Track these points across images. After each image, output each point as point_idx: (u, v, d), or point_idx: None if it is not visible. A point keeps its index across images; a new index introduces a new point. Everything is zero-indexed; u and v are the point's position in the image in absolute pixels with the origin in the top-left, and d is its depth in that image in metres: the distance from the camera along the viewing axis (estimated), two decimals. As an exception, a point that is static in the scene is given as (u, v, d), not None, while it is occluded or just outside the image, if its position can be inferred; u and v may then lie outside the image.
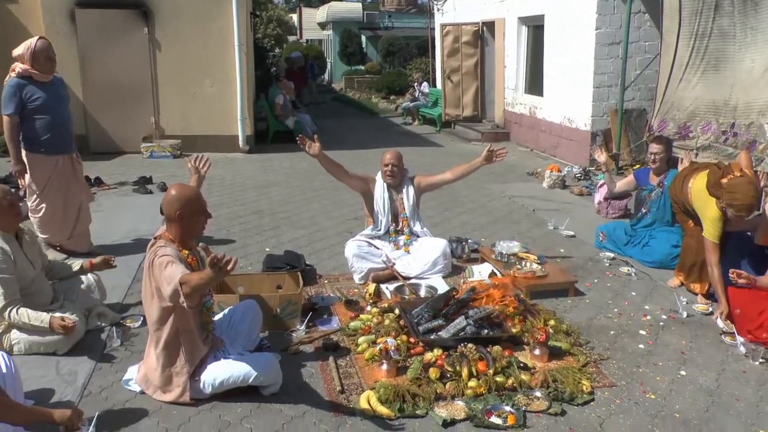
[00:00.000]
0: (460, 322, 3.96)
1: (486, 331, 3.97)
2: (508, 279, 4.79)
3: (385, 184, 5.47)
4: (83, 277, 4.44)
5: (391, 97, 19.34)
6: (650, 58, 9.41)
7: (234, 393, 3.46)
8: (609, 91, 9.68)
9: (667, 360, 3.96)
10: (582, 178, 9.19)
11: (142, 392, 3.52)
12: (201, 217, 3.50)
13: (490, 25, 13.38)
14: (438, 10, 15.84)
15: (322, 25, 28.38)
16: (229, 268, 2.81)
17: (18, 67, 5.20)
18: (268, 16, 24.61)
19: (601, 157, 6.44)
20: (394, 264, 5.23)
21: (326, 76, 26.50)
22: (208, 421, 3.30)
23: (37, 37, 5.25)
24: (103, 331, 4.23)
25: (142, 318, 4.42)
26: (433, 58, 17.02)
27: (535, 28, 11.77)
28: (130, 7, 10.36)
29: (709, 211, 4.49)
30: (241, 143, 10.91)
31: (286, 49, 25.46)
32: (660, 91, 8.44)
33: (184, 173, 9.46)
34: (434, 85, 16.22)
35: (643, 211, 5.80)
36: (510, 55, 12.58)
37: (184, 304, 3.13)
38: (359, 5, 27.44)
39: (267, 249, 5.96)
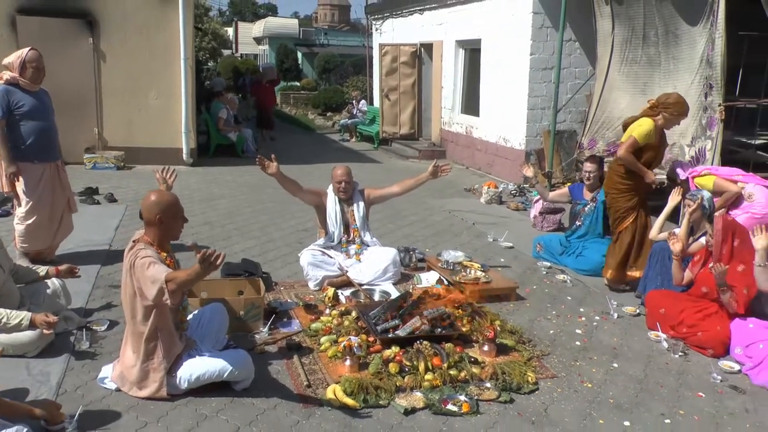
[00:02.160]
0: (415, 321, 4.28)
1: (439, 329, 4.30)
2: (456, 293, 5.09)
3: (336, 198, 5.75)
4: (49, 282, 4.54)
5: (328, 114, 19.65)
6: (580, 83, 10.08)
7: (207, 389, 3.65)
8: (542, 113, 10.29)
9: (601, 354, 4.39)
10: (517, 194, 9.71)
11: (118, 389, 3.67)
12: (179, 221, 3.72)
13: (428, 47, 13.90)
14: (376, 30, 16.29)
15: (258, 40, 28.48)
16: (218, 262, 3.05)
17: (6, 74, 5.31)
18: (204, 28, 24.57)
19: (528, 171, 6.89)
20: (347, 271, 5.52)
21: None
22: (185, 415, 3.49)
23: (28, 48, 5.39)
24: (72, 334, 4.34)
25: (108, 322, 4.58)
26: (371, 76, 17.45)
27: (472, 51, 12.33)
28: (74, 16, 10.31)
29: (638, 126, 5.41)
30: (184, 156, 10.97)
31: (221, 63, 25.46)
32: (591, 111, 9.07)
33: (129, 184, 9.51)
34: (371, 103, 16.64)
35: (577, 223, 6.29)
36: (447, 76, 13.11)
37: (168, 302, 3.33)
38: (296, 21, 27.71)
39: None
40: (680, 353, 4.37)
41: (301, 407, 3.61)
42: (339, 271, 5.53)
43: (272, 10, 40.77)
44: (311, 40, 26.55)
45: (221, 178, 10.49)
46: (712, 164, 6.66)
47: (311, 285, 5.46)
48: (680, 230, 4.95)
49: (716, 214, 4.56)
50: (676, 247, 4.77)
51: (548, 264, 6.23)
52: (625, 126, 5.72)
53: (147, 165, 10.03)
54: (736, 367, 4.18)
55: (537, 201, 8.03)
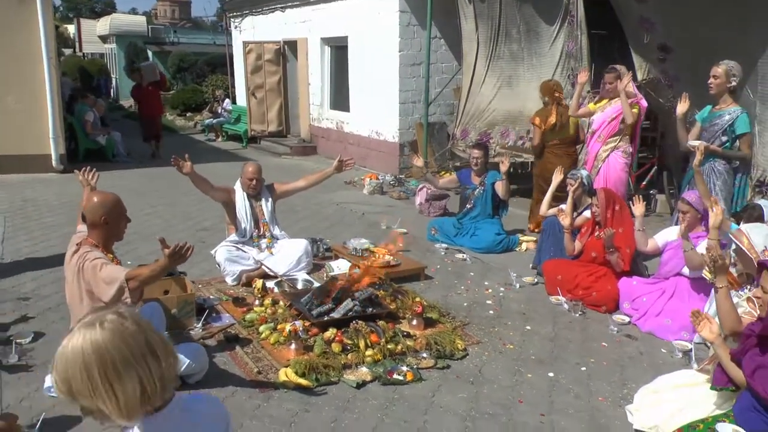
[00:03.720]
0: (348, 303, 4.52)
1: (370, 309, 4.58)
2: (366, 267, 5.37)
3: (245, 194, 5.83)
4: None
5: (188, 114, 19.12)
6: (447, 77, 10.71)
7: (158, 385, 3.68)
8: (413, 106, 10.81)
9: (513, 320, 4.88)
10: (396, 184, 10.16)
11: (65, 396, 3.59)
12: (123, 221, 3.71)
13: (291, 44, 14.02)
14: (236, 27, 16.15)
15: (104, 38, 26.95)
16: (188, 255, 3.14)
17: None
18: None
19: (419, 162, 7.36)
20: (262, 265, 5.63)
21: (112, 92, 25.23)
22: None
23: None
24: (-4, 349, 4.15)
25: (32, 334, 4.41)
26: (232, 75, 17.26)
27: (338, 48, 12.64)
28: None
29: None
30: (54, 163, 10.33)
31: (65, 63, 23.87)
32: (461, 104, 9.69)
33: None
34: (234, 102, 16.47)
35: (468, 206, 6.81)
36: (314, 73, 13.33)
37: (128, 301, 3.34)
38: (144, 19, 26.52)
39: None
40: (579, 312, 4.96)
41: (258, 392, 3.75)
42: (255, 264, 5.63)
43: (110, 6, 38.61)
44: (161, 38, 25.57)
45: (99, 184, 9.97)
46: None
47: (229, 280, 5.53)
48: (566, 206, 5.56)
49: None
50: (565, 221, 5.38)
51: (445, 245, 6.69)
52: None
53: (13, 174, 9.39)
54: (627, 319, 4.83)
55: (421, 189, 8.51)
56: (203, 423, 1.64)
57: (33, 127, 10.18)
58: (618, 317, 4.85)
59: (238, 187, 5.86)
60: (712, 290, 4.37)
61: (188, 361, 3.67)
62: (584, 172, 5.76)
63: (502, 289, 5.53)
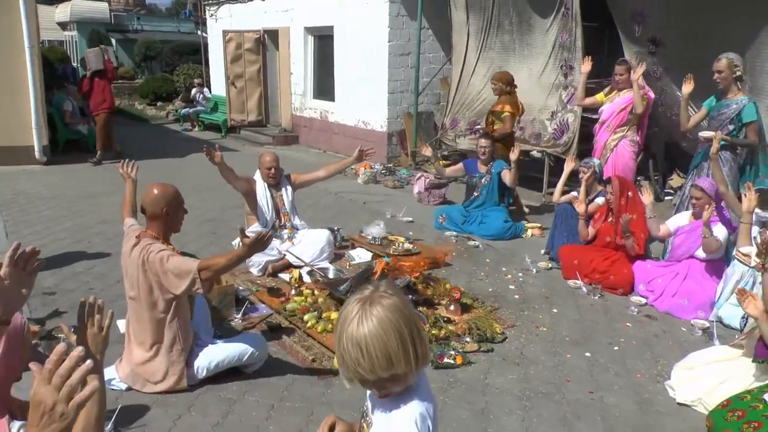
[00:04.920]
0: (388, 291, 4.69)
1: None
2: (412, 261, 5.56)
3: (265, 184, 5.93)
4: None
5: (159, 104, 18.86)
6: (435, 68, 10.90)
7: (220, 377, 3.80)
8: (401, 96, 10.97)
9: (539, 304, 5.13)
10: (387, 173, 10.32)
11: (129, 389, 3.69)
12: (181, 212, 3.79)
13: (272, 33, 14.00)
14: (211, 16, 16.00)
15: (63, 26, 26.23)
16: (269, 243, 3.30)
17: None
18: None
19: (428, 151, 7.55)
20: (285, 255, 5.75)
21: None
22: (212, 401, 3.63)
23: None
24: (37, 346, 4.18)
25: (73, 327, 4.43)
26: (206, 64, 17.11)
27: (322, 37, 12.69)
28: None
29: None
30: (37, 154, 10.16)
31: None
32: (451, 94, 9.89)
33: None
34: (209, 91, 16.35)
35: (475, 194, 7.03)
36: (297, 62, 13.35)
37: (199, 291, 3.45)
38: (106, 5, 25.84)
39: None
40: (599, 295, 5.24)
41: (317, 379, 3.90)
42: (279, 254, 5.75)
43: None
44: (124, 25, 25.01)
45: (87, 174, 9.95)
46: (574, 132, 7.77)
47: (254, 271, 5.63)
48: (580, 194, 5.82)
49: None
50: (580, 208, 5.64)
51: (454, 233, 6.90)
52: None
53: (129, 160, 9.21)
54: (644, 300, 5.12)
55: (419, 178, 8.70)
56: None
57: (14, 118, 9.94)
58: (635, 299, 5.14)
59: (258, 177, 5.94)
60: (726, 271, 4.71)
61: (252, 349, 3.79)
62: (597, 161, 6.04)
63: (520, 274, 5.78)
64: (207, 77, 16.96)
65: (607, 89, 6.76)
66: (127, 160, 4.48)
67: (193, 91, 16.00)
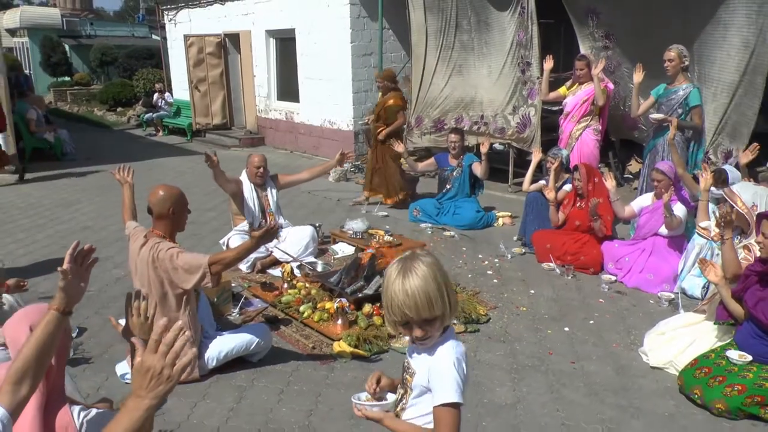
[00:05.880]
0: (378, 280, 4.97)
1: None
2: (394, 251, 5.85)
3: (252, 184, 6.14)
4: (4, 299, 4.45)
5: (119, 110, 18.72)
6: (398, 66, 11.15)
7: (227, 366, 4.04)
8: (366, 95, 11.25)
9: (517, 286, 5.47)
10: (357, 171, 10.58)
11: (143, 381, 3.89)
12: (186, 212, 3.99)
13: (233, 37, 14.10)
14: (170, 20, 16.00)
15: (12, 32, 25.63)
16: (278, 233, 3.55)
17: None
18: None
19: (400, 148, 7.86)
20: (272, 252, 5.99)
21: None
22: (224, 389, 3.87)
23: None
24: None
25: (77, 329, 4.63)
26: (167, 68, 17.08)
27: (284, 40, 12.87)
28: None
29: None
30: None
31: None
32: (414, 93, 10.17)
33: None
34: (171, 96, 16.35)
35: (448, 187, 7.36)
36: (260, 65, 13.50)
37: (209, 284, 3.68)
38: (57, 10, 25.32)
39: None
40: (571, 275, 5.61)
41: (319, 364, 4.16)
42: (266, 251, 5.97)
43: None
44: (77, 31, 24.58)
45: (58, 183, 9.98)
46: (536, 125, 8.16)
47: (243, 268, 5.85)
48: (549, 182, 6.19)
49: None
50: (551, 195, 6.01)
51: (429, 225, 7.21)
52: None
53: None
54: (613, 278, 5.51)
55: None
56: None
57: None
58: (605, 277, 5.52)
59: (244, 177, 6.15)
60: (688, 245, 5.12)
61: (257, 339, 4.04)
62: (564, 152, 6.42)
63: (496, 260, 6.12)
64: (168, 82, 16.94)
65: (569, 83, 7.17)
66: (122, 165, 4.65)
67: (155, 96, 15.96)
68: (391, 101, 7.92)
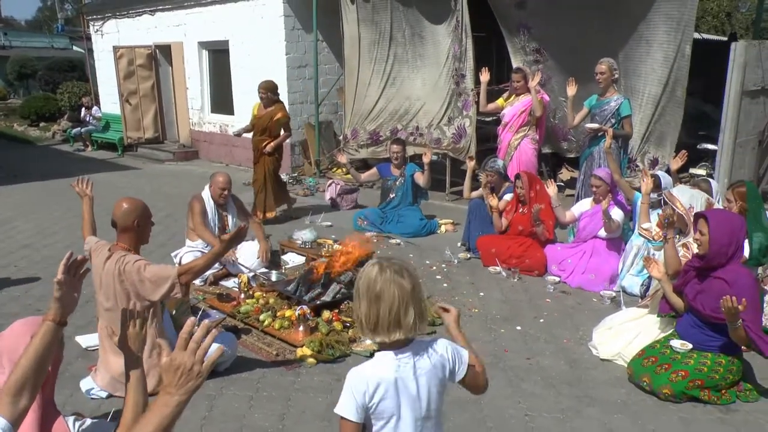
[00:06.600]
0: (334, 287, 5.09)
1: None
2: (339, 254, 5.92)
3: (213, 203, 6.09)
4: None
5: (42, 125, 18.04)
6: (332, 78, 11.34)
7: (193, 375, 4.05)
8: (301, 107, 11.34)
9: (467, 289, 5.69)
10: (294, 183, 10.62)
11: (110, 396, 3.87)
12: (150, 224, 3.99)
13: (164, 48, 13.90)
14: (96, 31, 15.61)
15: None
16: (244, 236, 3.63)
17: None
18: None
19: (343, 159, 7.99)
20: (225, 266, 5.99)
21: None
22: (194, 398, 3.64)
23: None
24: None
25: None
26: (94, 80, 16.63)
27: (216, 52, 12.80)
28: None
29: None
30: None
31: None
32: (348, 106, 10.29)
33: None
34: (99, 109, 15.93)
35: (391, 196, 7.54)
36: (192, 77, 13.37)
37: (178, 294, 3.70)
38: (-33, 24, 24.20)
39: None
40: (517, 278, 5.87)
41: (285, 370, 4.23)
42: (219, 266, 5.96)
43: None
44: (-12, 41, 23.59)
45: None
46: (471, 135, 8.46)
47: (196, 281, 5.82)
48: (485, 197, 6.44)
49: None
50: (493, 202, 6.27)
51: (374, 233, 7.36)
52: None
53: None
54: (557, 279, 5.80)
55: (330, 185, 9.08)
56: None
57: None
58: (550, 278, 5.81)
59: (206, 196, 6.07)
60: (626, 246, 5.47)
61: (226, 348, 4.06)
62: (500, 163, 6.70)
63: (444, 266, 6.32)
64: (96, 95, 16.46)
65: (506, 94, 7.49)
66: (81, 177, 4.55)
67: (82, 110, 15.49)
68: (279, 114, 7.94)
